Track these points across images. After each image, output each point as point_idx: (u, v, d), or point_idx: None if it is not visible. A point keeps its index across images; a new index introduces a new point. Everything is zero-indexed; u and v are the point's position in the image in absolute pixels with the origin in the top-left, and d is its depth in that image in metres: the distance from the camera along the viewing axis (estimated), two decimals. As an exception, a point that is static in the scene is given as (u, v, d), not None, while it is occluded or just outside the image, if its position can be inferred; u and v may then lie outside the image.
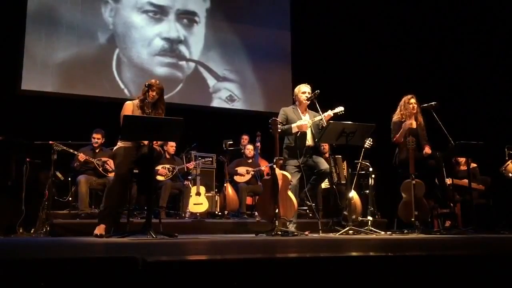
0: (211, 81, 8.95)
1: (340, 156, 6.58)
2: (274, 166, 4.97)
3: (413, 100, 5.75)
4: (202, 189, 6.95)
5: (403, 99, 5.83)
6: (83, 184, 5.83)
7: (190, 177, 7.11)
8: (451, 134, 5.54)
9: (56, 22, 7.86)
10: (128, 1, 8.46)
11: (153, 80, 4.56)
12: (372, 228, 5.21)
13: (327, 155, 6.42)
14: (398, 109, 5.82)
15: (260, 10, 9.50)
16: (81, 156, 6.06)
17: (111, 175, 5.79)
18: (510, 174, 6.23)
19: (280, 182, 4.87)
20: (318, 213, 6.14)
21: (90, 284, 1.43)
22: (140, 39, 8.45)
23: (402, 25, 8.89)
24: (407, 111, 5.72)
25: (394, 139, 5.66)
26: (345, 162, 6.98)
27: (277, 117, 5.19)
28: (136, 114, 4.40)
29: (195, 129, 6.86)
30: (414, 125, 5.65)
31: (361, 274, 1.66)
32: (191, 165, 7.06)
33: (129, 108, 4.45)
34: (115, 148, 4.52)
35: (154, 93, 4.46)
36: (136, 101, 4.52)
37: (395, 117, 5.80)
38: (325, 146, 6.58)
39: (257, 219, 6.08)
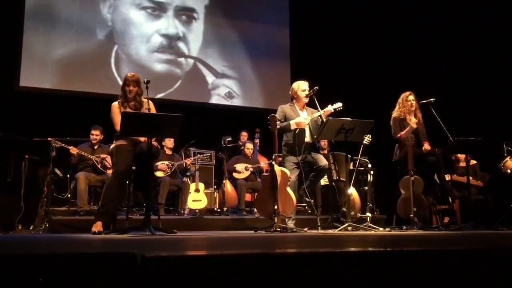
0: (210, 78, 8.94)
1: (344, 154, 6.56)
2: (273, 162, 4.97)
3: (411, 97, 5.77)
4: (201, 185, 6.95)
5: (401, 96, 5.85)
6: (82, 181, 5.83)
7: (189, 174, 7.11)
8: (449, 130, 5.54)
9: (55, 19, 7.84)
10: (126, -2, 8.46)
11: (127, 74, 4.54)
12: (371, 225, 5.22)
13: (325, 151, 6.41)
14: (397, 106, 5.85)
15: (259, 6, 9.49)
16: (73, 149, 6.05)
17: (110, 171, 5.79)
18: (509, 170, 6.24)
19: (279, 178, 4.87)
20: (317, 209, 6.15)
21: (88, 280, 1.43)
22: (139, 36, 8.44)
23: (400, 21, 8.88)
24: (405, 108, 5.75)
25: (398, 135, 5.66)
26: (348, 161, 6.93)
27: (275, 114, 5.18)
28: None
29: (194, 126, 6.87)
30: (415, 125, 5.64)
31: (359, 269, 1.67)
32: (189, 160, 7.05)
33: (116, 109, 4.44)
34: (112, 146, 4.52)
35: (131, 87, 4.43)
36: (119, 101, 4.51)
37: (395, 113, 5.82)
38: (324, 142, 6.56)
39: (256, 215, 6.08)
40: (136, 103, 4.47)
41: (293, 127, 5.20)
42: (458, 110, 7.67)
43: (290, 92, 5.53)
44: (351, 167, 6.27)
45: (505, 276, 1.83)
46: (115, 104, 4.50)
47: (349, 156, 6.18)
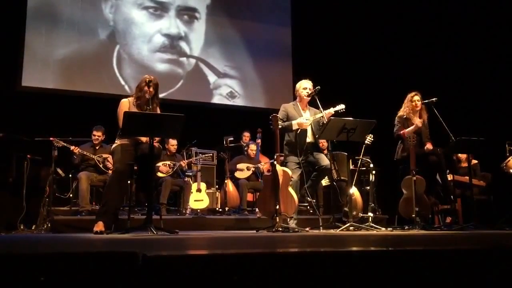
0: (211, 78, 8.95)
1: (345, 154, 6.57)
2: (275, 162, 4.97)
3: (416, 98, 5.79)
4: (203, 185, 6.95)
5: (407, 96, 5.87)
6: (84, 181, 5.83)
7: (190, 174, 7.11)
8: (451, 129, 5.53)
9: (57, 19, 7.86)
10: (128, -2, 8.47)
11: (150, 76, 4.52)
12: (373, 224, 5.22)
13: (325, 151, 6.41)
14: (403, 105, 5.88)
15: (261, 6, 9.50)
16: (75, 148, 6.05)
17: (112, 171, 5.79)
18: (511, 170, 6.23)
19: (280, 178, 4.87)
20: (318, 209, 6.14)
21: (90, 279, 1.43)
22: (141, 36, 8.45)
23: (403, 21, 8.87)
24: (408, 109, 5.77)
25: (400, 132, 5.68)
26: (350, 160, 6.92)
27: (277, 114, 5.19)
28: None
29: (195, 126, 6.86)
30: (421, 124, 5.66)
31: (361, 269, 1.66)
32: (184, 162, 7.03)
33: (126, 105, 4.43)
34: (113, 146, 4.52)
35: (151, 89, 4.43)
36: (131, 99, 4.49)
37: (400, 112, 5.86)
38: (323, 143, 6.55)
39: (258, 215, 6.08)
40: (151, 107, 4.41)
41: (294, 127, 5.20)
42: (460, 109, 7.66)
43: (294, 92, 5.56)
44: (352, 167, 6.27)
45: (507, 276, 1.82)
46: (125, 101, 4.48)
47: (346, 154, 6.20)
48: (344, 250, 1.90)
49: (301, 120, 5.20)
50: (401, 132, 5.70)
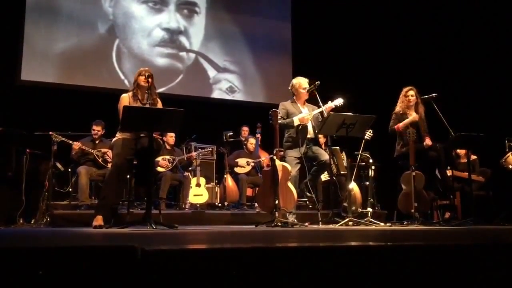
0: (211, 72, 8.93)
1: (338, 148, 6.56)
2: (274, 157, 4.97)
3: (410, 92, 5.75)
4: (202, 180, 6.95)
5: (402, 91, 5.85)
6: (83, 175, 5.83)
7: (190, 168, 7.11)
8: (451, 125, 5.53)
9: (56, 12, 7.83)
10: (128, -9, 8.43)
11: (144, 68, 4.51)
12: (372, 220, 5.22)
13: (323, 146, 6.41)
14: (399, 101, 5.85)
15: (261, 0, 9.47)
16: (76, 144, 6.05)
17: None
18: (510, 166, 6.23)
19: (280, 173, 4.87)
20: (318, 204, 6.15)
21: (88, 273, 1.43)
22: (140, 30, 8.43)
23: (402, 16, 8.85)
24: (403, 104, 5.74)
25: (395, 126, 5.65)
26: (343, 153, 6.92)
27: (277, 109, 5.19)
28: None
29: (195, 120, 6.85)
30: (417, 118, 5.64)
31: (360, 263, 1.66)
32: (191, 155, 7.05)
33: (126, 100, 4.42)
34: (113, 139, 4.51)
35: (149, 79, 4.39)
36: (131, 93, 4.49)
37: (396, 108, 5.83)
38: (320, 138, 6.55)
39: (257, 210, 6.09)
40: (152, 100, 4.38)
41: (296, 123, 5.21)
42: (460, 105, 7.65)
43: (290, 88, 5.53)
44: (352, 162, 6.28)
45: (505, 271, 1.83)
46: (125, 96, 4.47)
47: (338, 148, 6.20)
48: (343, 245, 1.90)
49: (302, 115, 5.21)
50: (395, 126, 5.68)
